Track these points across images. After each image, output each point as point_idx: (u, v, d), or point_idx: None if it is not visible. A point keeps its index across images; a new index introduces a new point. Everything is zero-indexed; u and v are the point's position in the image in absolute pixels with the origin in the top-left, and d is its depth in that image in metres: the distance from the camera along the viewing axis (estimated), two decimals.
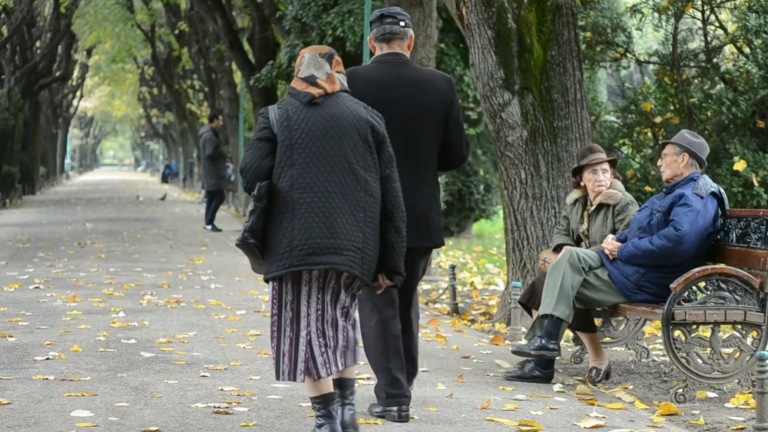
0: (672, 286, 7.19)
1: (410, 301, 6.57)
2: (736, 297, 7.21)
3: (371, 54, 6.74)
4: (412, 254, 6.40)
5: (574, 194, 8.41)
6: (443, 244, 6.69)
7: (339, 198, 5.57)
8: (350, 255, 5.53)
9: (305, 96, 5.66)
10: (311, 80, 5.70)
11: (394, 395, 6.30)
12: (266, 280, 5.63)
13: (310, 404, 5.76)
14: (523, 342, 8.14)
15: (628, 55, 12.83)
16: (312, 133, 5.61)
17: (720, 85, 12.02)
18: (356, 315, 5.81)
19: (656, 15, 12.12)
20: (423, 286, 14.19)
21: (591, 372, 7.99)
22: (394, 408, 6.29)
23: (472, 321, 11.02)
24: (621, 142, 12.57)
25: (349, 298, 5.68)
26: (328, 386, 5.56)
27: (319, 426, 5.54)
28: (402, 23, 6.52)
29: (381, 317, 6.36)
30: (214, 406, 6.51)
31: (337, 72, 5.79)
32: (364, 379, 7.47)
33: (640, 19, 12.30)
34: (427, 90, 6.49)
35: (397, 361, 6.33)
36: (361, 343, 5.85)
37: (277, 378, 5.59)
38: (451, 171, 23.06)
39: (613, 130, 12.52)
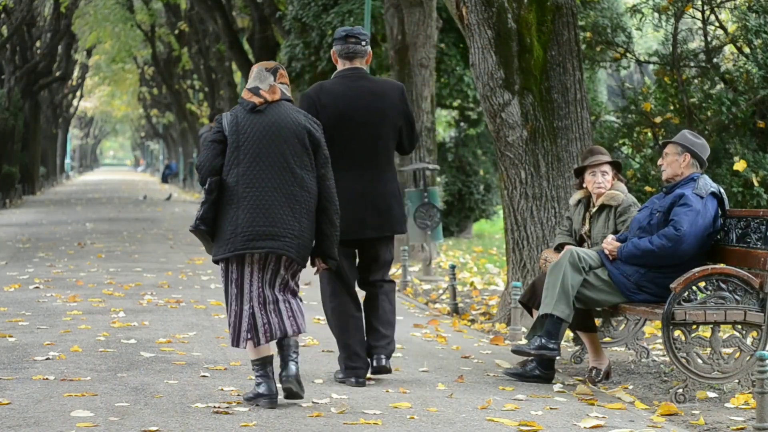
0: (672, 286, 7.19)
1: (383, 287, 7.54)
2: (736, 297, 7.21)
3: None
4: (376, 242, 7.51)
5: (577, 195, 8.42)
6: (404, 232, 7.70)
7: (277, 193, 6.57)
8: (286, 241, 6.55)
9: (248, 104, 6.69)
10: (255, 91, 6.71)
11: (353, 367, 7.38)
12: (215, 261, 6.65)
13: (251, 367, 6.81)
14: (523, 342, 8.14)
15: (628, 55, 12.82)
16: (256, 137, 6.62)
17: (720, 85, 12.01)
18: (296, 289, 6.73)
19: (656, 15, 12.11)
20: (423, 286, 14.20)
21: (591, 372, 7.99)
22: (353, 378, 7.36)
23: (472, 321, 11.02)
24: (621, 142, 12.56)
25: (290, 275, 6.68)
26: (267, 350, 6.59)
27: (258, 384, 6.61)
28: (363, 43, 7.56)
29: (339, 300, 7.45)
30: (214, 406, 6.51)
31: (281, 83, 6.78)
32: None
33: (640, 19, 12.30)
34: (382, 99, 7.52)
35: (357, 337, 7.42)
36: (303, 314, 6.70)
37: (231, 344, 6.63)
38: (451, 171, 23.09)
39: (613, 130, 12.51)
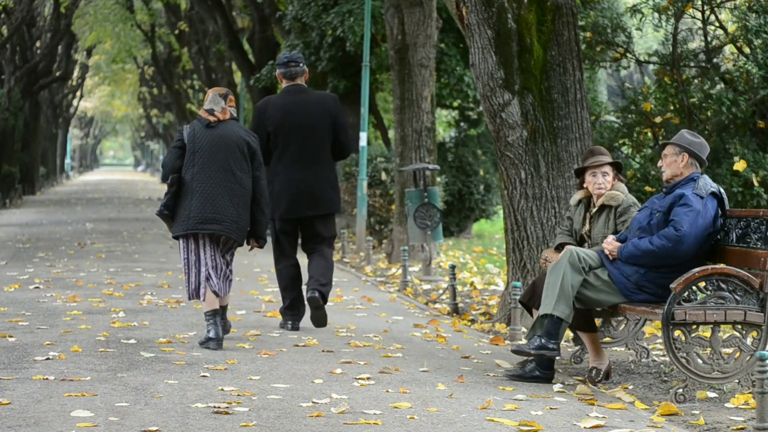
0: (672, 286, 7.18)
1: (321, 249, 9.66)
2: (736, 297, 7.21)
3: (278, 81, 10.14)
4: (314, 220, 9.63)
5: (578, 195, 8.42)
6: (338, 210, 9.81)
7: (221, 188, 8.71)
8: (227, 224, 8.71)
9: (205, 121, 8.85)
10: (211, 112, 8.86)
11: (290, 314, 9.72)
12: (174, 237, 8.81)
13: (204, 317, 9.03)
14: (523, 342, 8.13)
15: (628, 55, 12.82)
16: (208, 146, 8.77)
17: (720, 85, 12.01)
18: (231, 268, 8.89)
19: (656, 15, 12.11)
20: (423, 286, 14.20)
21: (591, 372, 7.99)
22: (290, 322, 9.69)
23: (472, 321, 11.01)
24: (621, 142, 12.56)
25: (229, 254, 8.87)
26: (216, 304, 8.69)
27: (209, 331, 8.61)
28: (301, 65, 9.78)
29: (283, 265, 9.72)
30: (214, 406, 6.51)
31: (230, 106, 8.91)
32: (365, 378, 7.51)
33: (640, 19, 12.30)
34: (318, 107, 9.68)
35: (295, 293, 9.68)
36: (230, 283, 8.93)
37: (188, 299, 8.87)
38: (451, 171, 23.08)
39: (613, 130, 12.51)
